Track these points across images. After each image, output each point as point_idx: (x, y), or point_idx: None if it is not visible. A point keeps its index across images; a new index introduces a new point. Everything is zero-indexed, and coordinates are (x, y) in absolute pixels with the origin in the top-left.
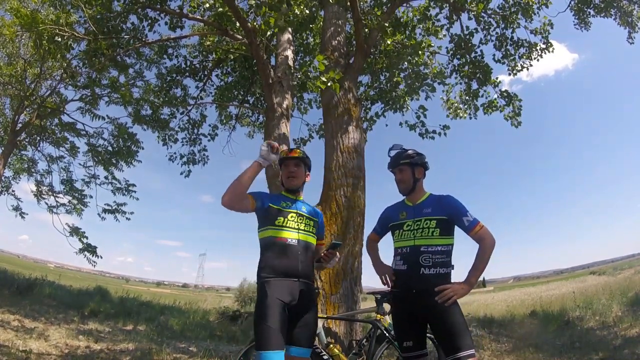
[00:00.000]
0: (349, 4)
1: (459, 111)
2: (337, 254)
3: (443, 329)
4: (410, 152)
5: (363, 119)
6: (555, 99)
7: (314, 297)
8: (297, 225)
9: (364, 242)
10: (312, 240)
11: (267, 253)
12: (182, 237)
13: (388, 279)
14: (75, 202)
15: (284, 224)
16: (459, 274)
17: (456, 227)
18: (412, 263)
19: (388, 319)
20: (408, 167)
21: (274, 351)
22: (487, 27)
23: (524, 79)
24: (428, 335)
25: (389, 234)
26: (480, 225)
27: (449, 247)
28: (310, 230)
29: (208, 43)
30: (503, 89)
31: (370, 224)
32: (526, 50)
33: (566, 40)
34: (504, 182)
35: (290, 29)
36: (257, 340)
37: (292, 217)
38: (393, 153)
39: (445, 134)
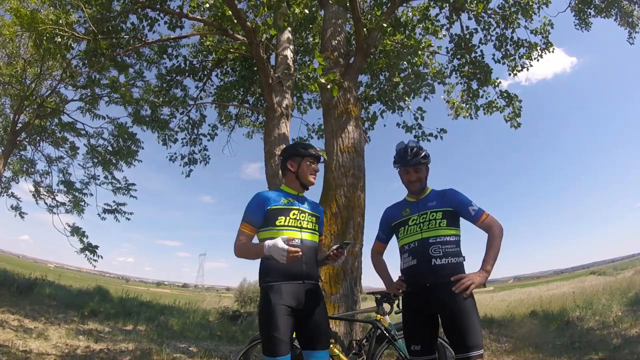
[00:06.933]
0: (348, 4)
1: (460, 111)
2: (345, 252)
3: (456, 326)
4: (426, 152)
5: (365, 118)
6: (555, 101)
7: (320, 297)
8: (300, 223)
9: (364, 243)
10: (316, 238)
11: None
12: (182, 237)
13: (401, 288)
14: (75, 201)
15: (286, 224)
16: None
17: (461, 220)
18: (422, 256)
19: (388, 319)
20: (424, 167)
21: (280, 357)
22: (487, 27)
23: (522, 83)
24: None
25: (394, 238)
26: (486, 214)
27: (457, 237)
28: (314, 227)
29: (208, 43)
30: (503, 90)
31: (369, 224)
32: (526, 50)
33: (564, 43)
34: (504, 182)
35: (289, 29)
36: (264, 347)
37: (294, 214)
38: (404, 149)
39: (441, 137)
